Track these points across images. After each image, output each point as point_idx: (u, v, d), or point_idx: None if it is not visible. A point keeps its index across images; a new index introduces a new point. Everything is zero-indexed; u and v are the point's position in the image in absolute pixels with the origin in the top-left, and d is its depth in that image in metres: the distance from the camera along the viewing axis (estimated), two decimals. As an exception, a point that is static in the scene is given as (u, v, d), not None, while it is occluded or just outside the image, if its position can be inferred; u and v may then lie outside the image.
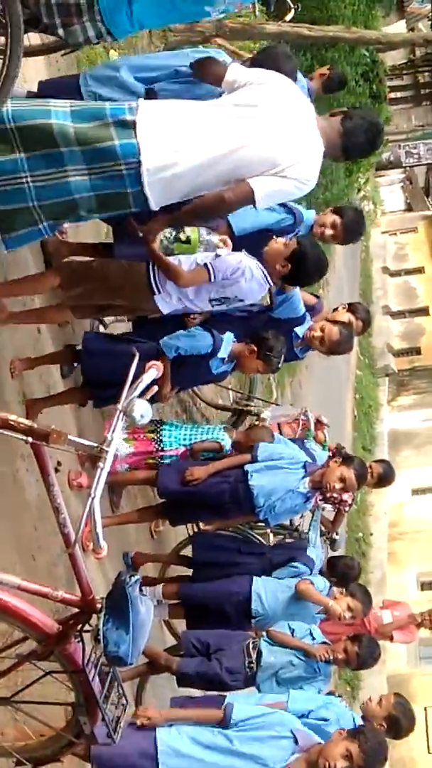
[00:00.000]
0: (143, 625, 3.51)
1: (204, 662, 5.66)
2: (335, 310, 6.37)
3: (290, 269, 5.11)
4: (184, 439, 6.05)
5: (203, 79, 4.49)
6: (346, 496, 7.23)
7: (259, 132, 3.99)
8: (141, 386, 3.37)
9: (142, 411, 3.30)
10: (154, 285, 4.77)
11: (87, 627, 3.55)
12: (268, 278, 5.04)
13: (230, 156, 3.98)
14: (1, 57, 3.64)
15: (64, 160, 3.84)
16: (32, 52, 4.87)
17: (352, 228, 5.86)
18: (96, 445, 3.24)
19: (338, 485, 5.89)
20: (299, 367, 13.45)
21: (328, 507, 7.35)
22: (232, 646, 5.70)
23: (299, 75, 5.31)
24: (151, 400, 3.43)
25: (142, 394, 3.36)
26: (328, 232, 5.77)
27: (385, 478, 7.12)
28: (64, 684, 3.70)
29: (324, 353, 6.13)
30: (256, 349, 5.58)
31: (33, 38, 4.91)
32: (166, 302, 4.85)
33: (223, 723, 4.46)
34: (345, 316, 6.19)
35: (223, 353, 5.49)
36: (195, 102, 4.11)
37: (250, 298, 5.09)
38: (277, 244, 5.16)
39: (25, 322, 5.21)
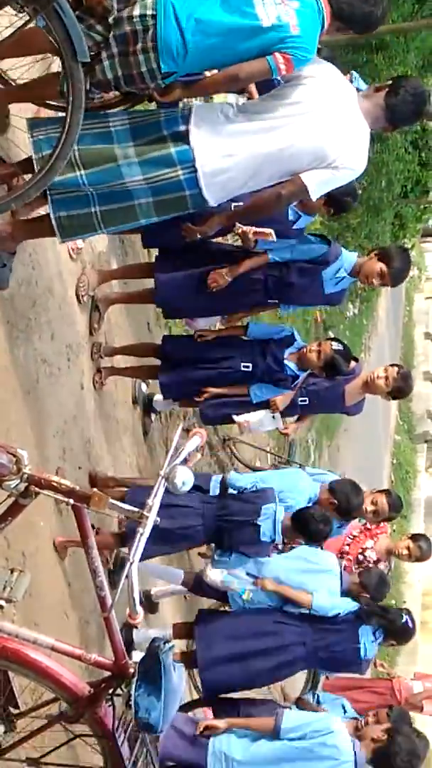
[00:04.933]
0: (175, 693, 3.49)
1: None
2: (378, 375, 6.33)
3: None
4: None
5: None
6: (382, 566, 7.19)
7: (306, 129, 4.14)
8: (184, 453, 3.40)
9: (185, 478, 3.32)
10: None
11: (118, 691, 3.53)
12: None
13: (280, 156, 4.15)
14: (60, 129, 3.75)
15: (122, 173, 4.04)
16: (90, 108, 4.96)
17: (399, 273, 5.87)
18: (137, 510, 3.25)
19: (371, 508, 6.20)
20: (338, 430, 13.46)
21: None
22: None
23: None
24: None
25: (184, 462, 3.39)
26: (376, 281, 5.82)
27: (423, 556, 7.08)
28: (93, 748, 3.68)
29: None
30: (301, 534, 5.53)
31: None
32: None
33: (274, 732, 4.88)
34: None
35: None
36: (243, 105, 4.26)
37: None
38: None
39: None
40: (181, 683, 3.54)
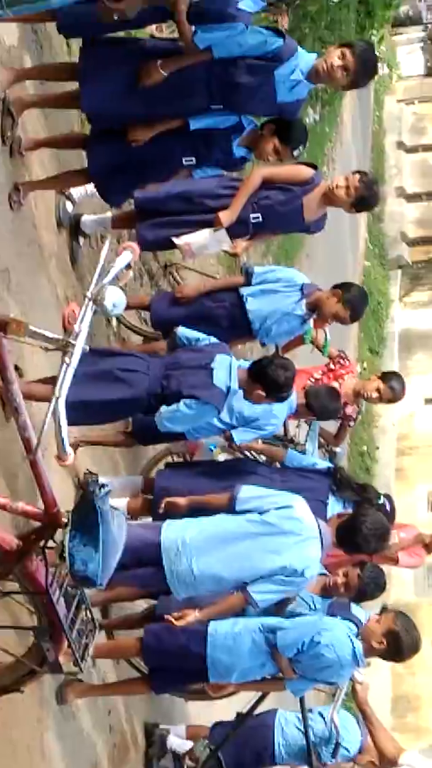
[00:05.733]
0: (115, 542, 3.56)
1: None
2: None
3: None
4: None
5: None
6: (349, 410, 7.29)
7: None
8: (113, 271, 3.38)
9: (115, 300, 3.31)
10: None
11: (51, 543, 3.59)
12: None
13: None
14: None
15: None
16: None
17: (365, 61, 5.75)
18: (61, 338, 3.25)
19: (331, 321, 6.56)
20: (299, 255, 13.44)
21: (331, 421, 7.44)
22: None
23: None
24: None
25: (114, 281, 3.37)
26: (337, 63, 5.63)
27: (395, 398, 7.17)
28: (25, 606, 3.76)
29: None
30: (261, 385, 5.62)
31: None
32: None
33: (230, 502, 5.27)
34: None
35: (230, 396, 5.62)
36: None
37: None
38: None
39: None
40: (121, 531, 3.60)
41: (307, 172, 6.29)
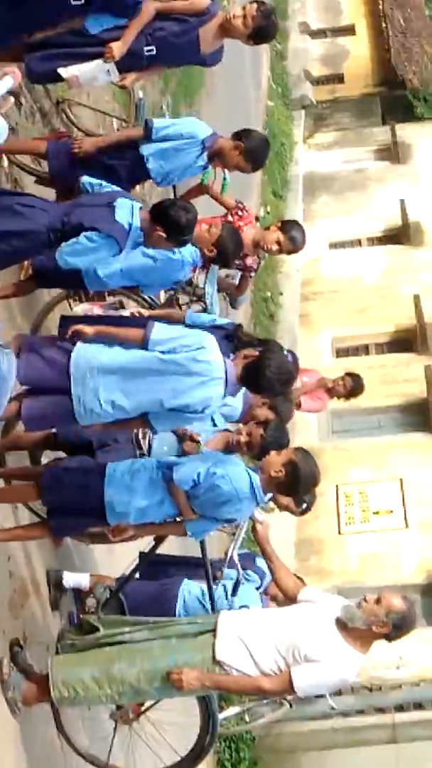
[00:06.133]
0: (4, 380, 3.53)
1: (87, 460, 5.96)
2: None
3: None
4: None
5: None
6: (250, 261, 7.24)
7: None
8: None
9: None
10: None
11: None
12: None
13: None
14: None
15: None
16: None
17: None
18: None
19: (232, 170, 6.63)
20: (198, 94, 13.20)
21: (232, 272, 7.39)
22: (119, 440, 6.01)
23: None
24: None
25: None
26: None
27: (296, 248, 7.10)
28: None
29: None
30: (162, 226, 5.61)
31: None
32: None
33: (142, 342, 5.30)
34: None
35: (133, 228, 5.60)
36: None
37: None
38: None
39: None
40: (11, 369, 3.57)
41: (203, 2, 6.23)
